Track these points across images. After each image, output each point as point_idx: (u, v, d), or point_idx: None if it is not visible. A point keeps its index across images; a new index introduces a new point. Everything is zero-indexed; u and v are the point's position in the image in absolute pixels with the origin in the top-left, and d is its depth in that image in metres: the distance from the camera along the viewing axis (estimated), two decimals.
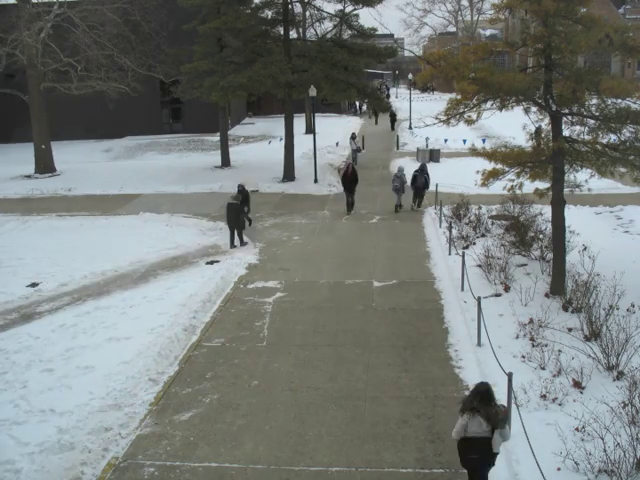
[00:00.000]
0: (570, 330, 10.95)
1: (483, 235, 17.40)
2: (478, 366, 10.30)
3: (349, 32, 28.35)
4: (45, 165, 30.55)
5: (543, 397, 8.99)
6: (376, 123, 48.56)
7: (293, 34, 34.81)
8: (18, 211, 23.32)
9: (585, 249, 13.95)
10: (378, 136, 41.94)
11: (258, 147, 37.56)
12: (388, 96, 63.99)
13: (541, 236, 15.50)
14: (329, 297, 13.90)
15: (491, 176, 12.93)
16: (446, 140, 32.32)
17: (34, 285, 14.83)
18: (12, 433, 8.78)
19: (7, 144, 38.19)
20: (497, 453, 6.85)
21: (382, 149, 36.22)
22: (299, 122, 36.59)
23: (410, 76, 46.24)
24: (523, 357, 10.31)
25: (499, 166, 12.87)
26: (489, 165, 13.13)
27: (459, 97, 12.73)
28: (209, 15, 26.18)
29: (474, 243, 16.67)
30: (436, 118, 13.09)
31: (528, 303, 12.39)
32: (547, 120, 12.82)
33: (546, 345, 10.53)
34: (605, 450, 7.32)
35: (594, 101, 11.93)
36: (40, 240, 18.87)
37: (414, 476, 7.80)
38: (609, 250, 14.88)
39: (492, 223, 18.24)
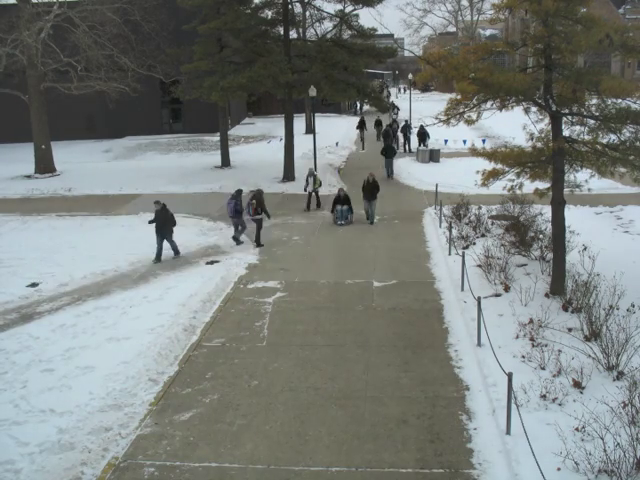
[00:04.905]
0: (570, 330, 10.95)
1: (483, 235, 17.40)
2: (478, 366, 10.31)
3: (349, 32, 28.35)
4: (45, 165, 30.54)
5: (543, 397, 8.99)
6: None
7: (293, 34, 34.87)
8: (18, 211, 23.31)
9: (585, 249, 13.94)
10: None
11: (258, 147, 37.56)
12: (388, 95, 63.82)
13: (541, 236, 15.50)
14: (329, 297, 13.90)
15: (491, 176, 12.93)
16: (446, 140, 32.34)
17: (34, 285, 14.83)
18: (12, 433, 8.78)
19: (7, 144, 38.19)
20: None
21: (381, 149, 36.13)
22: (299, 122, 36.59)
23: (410, 76, 46.12)
24: (523, 357, 10.30)
25: (499, 166, 12.87)
26: (489, 165, 13.13)
27: (459, 97, 12.73)
28: (209, 15, 26.17)
29: (474, 243, 16.67)
30: (436, 118, 13.10)
31: (528, 303, 12.39)
32: (547, 120, 12.82)
33: (546, 345, 10.53)
34: (605, 450, 7.32)
35: (594, 101, 11.93)
36: (40, 240, 18.87)
37: (414, 476, 7.80)
38: (609, 250, 14.87)
39: (492, 223, 18.24)
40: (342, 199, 20.43)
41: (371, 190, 20.28)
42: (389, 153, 28.17)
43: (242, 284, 14.89)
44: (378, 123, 39.89)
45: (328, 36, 29.72)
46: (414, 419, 8.97)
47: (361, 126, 38.32)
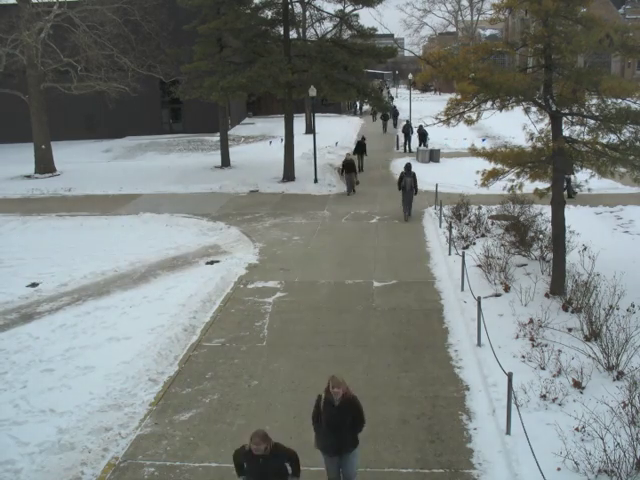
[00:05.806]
0: (570, 330, 10.95)
1: (483, 235, 17.39)
2: (478, 366, 10.30)
3: (349, 32, 28.35)
4: (45, 165, 30.53)
5: (543, 397, 8.99)
6: (374, 120, 49.47)
7: (293, 34, 34.89)
8: (18, 211, 23.31)
9: (585, 249, 13.94)
10: (378, 136, 41.94)
11: (258, 147, 37.57)
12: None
13: (541, 236, 15.50)
14: (329, 297, 13.89)
15: (491, 176, 12.93)
16: (446, 140, 32.35)
17: (34, 285, 14.83)
18: (12, 433, 8.78)
19: (7, 144, 38.19)
20: None
21: (382, 149, 36.19)
22: (299, 122, 36.62)
23: (410, 76, 46.32)
24: (523, 357, 10.30)
25: (499, 166, 12.87)
26: (489, 165, 13.14)
27: (459, 97, 12.73)
28: (209, 15, 26.18)
29: (474, 243, 16.67)
30: (436, 118, 13.10)
31: (528, 303, 12.38)
32: (547, 120, 12.82)
33: (546, 345, 10.53)
34: (605, 450, 7.31)
35: (594, 101, 11.93)
36: (40, 240, 18.87)
37: (414, 476, 7.80)
38: (609, 250, 14.87)
39: (492, 223, 18.24)
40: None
41: (340, 426, 7.34)
42: (386, 117, 43.38)
43: (242, 284, 14.89)
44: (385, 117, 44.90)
45: (328, 36, 29.73)
46: (414, 419, 8.97)
47: (359, 151, 29.59)
